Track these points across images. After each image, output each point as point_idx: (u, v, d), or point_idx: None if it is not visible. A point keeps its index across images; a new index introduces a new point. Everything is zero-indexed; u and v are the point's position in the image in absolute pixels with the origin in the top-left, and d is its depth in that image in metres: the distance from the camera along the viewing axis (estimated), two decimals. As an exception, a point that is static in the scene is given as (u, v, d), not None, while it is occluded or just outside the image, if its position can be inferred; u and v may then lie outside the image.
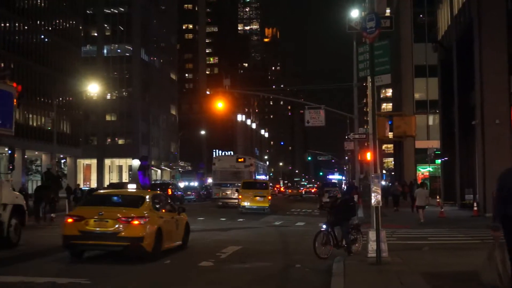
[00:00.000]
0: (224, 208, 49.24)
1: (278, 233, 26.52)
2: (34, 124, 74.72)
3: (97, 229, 16.00)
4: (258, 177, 57.69)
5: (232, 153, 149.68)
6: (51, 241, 20.66)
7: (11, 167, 19.93)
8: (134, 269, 15.12)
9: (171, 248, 17.96)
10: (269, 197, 45.08)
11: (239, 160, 57.14)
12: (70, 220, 16.45)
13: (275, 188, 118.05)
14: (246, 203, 43.70)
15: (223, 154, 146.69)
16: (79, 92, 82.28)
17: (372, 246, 15.58)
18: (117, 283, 13.39)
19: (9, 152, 20.23)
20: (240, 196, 44.63)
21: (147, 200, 17.43)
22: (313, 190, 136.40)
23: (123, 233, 15.94)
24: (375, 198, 15.49)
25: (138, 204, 17.09)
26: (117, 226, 15.99)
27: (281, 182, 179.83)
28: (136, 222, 16.08)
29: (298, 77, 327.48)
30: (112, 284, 13.23)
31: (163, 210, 18.15)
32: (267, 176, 76.09)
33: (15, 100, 19.37)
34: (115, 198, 18.40)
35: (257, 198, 43.86)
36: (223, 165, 55.73)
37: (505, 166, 36.89)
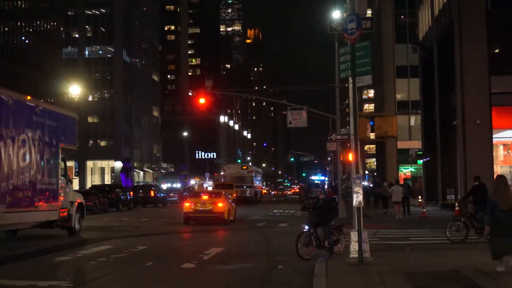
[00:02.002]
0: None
1: (261, 234, 26.53)
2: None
3: (201, 208, 31.44)
4: (255, 180, 73.43)
5: (215, 154, 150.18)
6: (51, 240, 20.65)
7: (76, 174, 27.92)
8: (115, 272, 15.07)
9: (231, 219, 32.74)
10: (234, 195, 55.91)
11: (243, 167, 72.35)
12: (188, 204, 32.07)
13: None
14: None
15: (205, 155, 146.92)
16: (61, 94, 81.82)
17: (354, 246, 15.63)
18: (98, 286, 13.34)
19: (75, 162, 27.95)
20: None
21: (223, 194, 33.44)
22: (294, 191, 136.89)
23: (214, 210, 31.24)
24: (357, 198, 15.54)
25: (219, 196, 32.73)
26: (211, 207, 31.31)
27: (264, 184, 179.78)
28: (220, 205, 31.45)
29: (281, 78, 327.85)
30: (93, 287, 13.18)
31: (228, 200, 33.13)
32: (261, 179, 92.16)
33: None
34: (207, 193, 34.70)
35: None
36: (231, 171, 70.04)
37: (485, 166, 36.93)
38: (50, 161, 22.45)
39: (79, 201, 25.33)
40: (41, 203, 21.57)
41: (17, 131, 20.05)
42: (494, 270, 13.44)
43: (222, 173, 76.28)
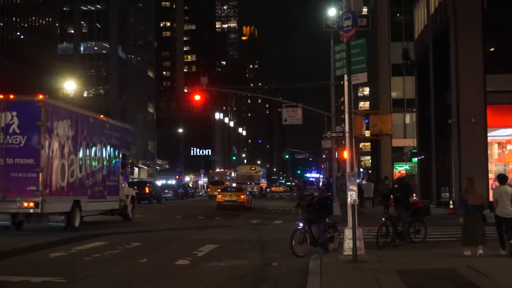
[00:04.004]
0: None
1: (255, 231, 26.52)
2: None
3: (229, 198, 45.54)
4: (261, 178, 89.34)
5: (210, 151, 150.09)
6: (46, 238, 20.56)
7: (131, 173, 32.20)
8: (109, 268, 15.05)
9: (249, 206, 46.72)
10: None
11: (252, 168, 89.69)
12: (220, 196, 46.50)
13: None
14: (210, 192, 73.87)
15: (200, 152, 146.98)
16: (56, 90, 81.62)
17: (348, 244, 15.65)
18: (92, 282, 13.32)
19: (130, 163, 33.12)
20: (208, 189, 72.98)
21: (244, 188, 50.84)
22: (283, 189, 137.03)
23: (238, 200, 45.32)
24: (351, 196, 15.54)
25: (241, 190, 48.30)
26: (235, 198, 45.39)
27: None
28: (242, 196, 45.97)
29: (276, 75, 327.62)
30: (87, 284, 13.16)
31: (247, 193, 48.75)
32: (266, 177, 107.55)
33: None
34: (232, 188, 50.55)
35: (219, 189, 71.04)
36: (242, 171, 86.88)
37: (480, 165, 36.83)
38: (114, 163, 28.99)
39: (132, 194, 31.67)
40: (109, 195, 28.08)
41: (95, 141, 26.66)
42: (489, 270, 13.47)
43: (233, 173, 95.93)
